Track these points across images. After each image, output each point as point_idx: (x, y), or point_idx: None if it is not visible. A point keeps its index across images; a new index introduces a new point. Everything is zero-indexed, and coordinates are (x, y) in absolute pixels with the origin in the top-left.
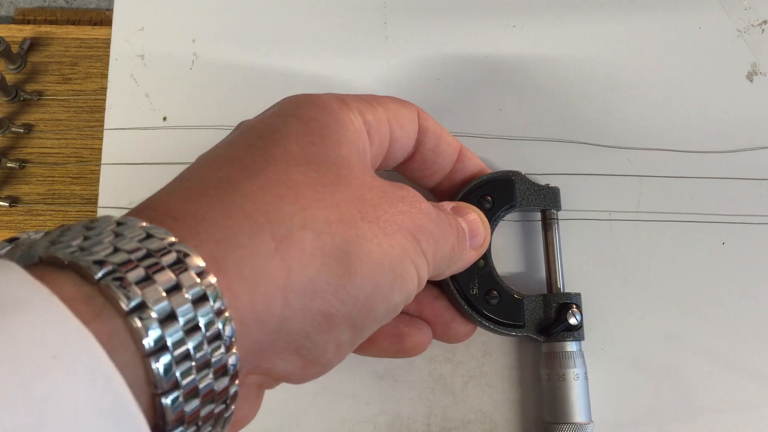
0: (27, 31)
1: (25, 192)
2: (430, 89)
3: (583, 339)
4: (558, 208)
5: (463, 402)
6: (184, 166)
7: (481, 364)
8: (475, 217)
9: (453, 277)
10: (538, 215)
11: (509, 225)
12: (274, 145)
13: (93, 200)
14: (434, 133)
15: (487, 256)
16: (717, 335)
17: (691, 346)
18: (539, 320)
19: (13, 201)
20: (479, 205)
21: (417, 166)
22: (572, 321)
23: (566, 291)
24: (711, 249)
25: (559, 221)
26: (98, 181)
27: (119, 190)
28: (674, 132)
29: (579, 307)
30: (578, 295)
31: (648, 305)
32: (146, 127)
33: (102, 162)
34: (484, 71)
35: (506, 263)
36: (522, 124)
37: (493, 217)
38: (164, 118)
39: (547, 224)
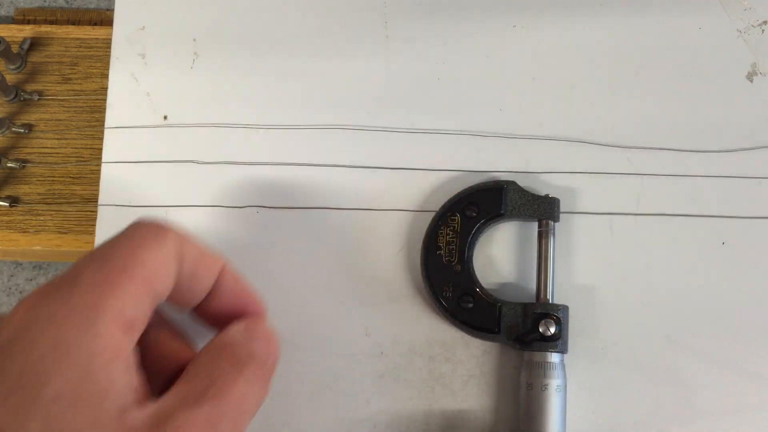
0: (27, 31)
1: (25, 192)
2: (430, 89)
3: (566, 352)
4: (555, 219)
5: (463, 401)
6: (185, 165)
7: (481, 363)
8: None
9: (427, 279)
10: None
11: (508, 233)
12: None
13: (93, 200)
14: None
15: (466, 261)
16: (717, 336)
17: (692, 347)
18: (516, 328)
19: (13, 201)
20: (462, 214)
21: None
22: (547, 332)
23: (555, 302)
24: (711, 248)
25: (556, 232)
26: (98, 181)
27: (119, 188)
28: (674, 132)
29: (559, 319)
30: (564, 307)
31: (648, 305)
32: (147, 125)
33: (102, 161)
34: (484, 71)
35: (503, 270)
36: (522, 124)
37: (475, 227)
38: (165, 117)
39: (541, 234)
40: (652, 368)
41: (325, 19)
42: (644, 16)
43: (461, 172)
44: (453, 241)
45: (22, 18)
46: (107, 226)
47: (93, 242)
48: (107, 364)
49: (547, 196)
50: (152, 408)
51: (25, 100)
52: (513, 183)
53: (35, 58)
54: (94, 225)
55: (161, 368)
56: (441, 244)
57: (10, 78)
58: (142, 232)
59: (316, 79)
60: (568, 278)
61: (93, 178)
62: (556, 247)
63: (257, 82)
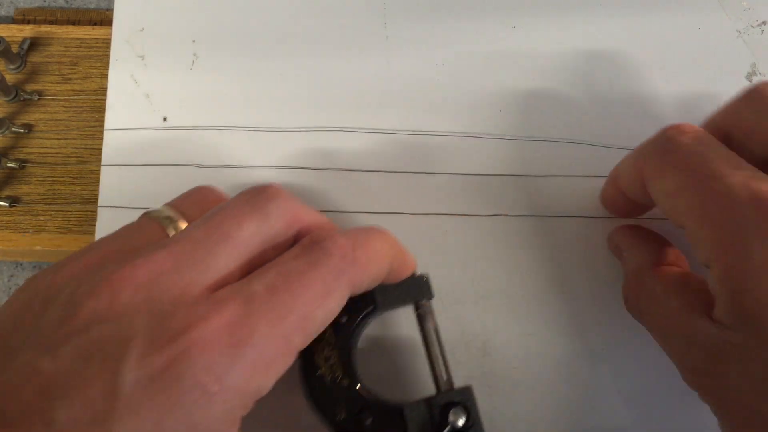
0: (27, 31)
1: (25, 192)
2: (430, 89)
3: None
4: (430, 296)
5: None
6: (184, 168)
7: (481, 364)
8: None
9: (314, 406)
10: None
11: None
12: None
13: (93, 200)
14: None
15: (351, 372)
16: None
17: None
18: (426, 429)
19: (13, 201)
20: (333, 324)
21: None
22: (458, 423)
23: (457, 385)
24: None
25: (434, 311)
26: (98, 181)
27: (119, 190)
28: None
29: (467, 405)
30: (467, 389)
31: None
32: (146, 127)
33: (102, 163)
34: (483, 72)
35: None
36: (521, 125)
37: (351, 332)
38: (164, 119)
39: (421, 317)
40: (652, 368)
41: (325, 20)
42: (644, 16)
43: (461, 174)
44: (331, 356)
45: (22, 18)
46: (107, 227)
47: None
48: None
49: (414, 275)
50: None
51: (25, 100)
52: None
53: (35, 58)
54: (94, 225)
55: None
56: (319, 363)
57: (10, 78)
58: (329, 276)
59: (315, 80)
60: (565, 278)
61: (93, 178)
62: (439, 325)
63: (257, 83)
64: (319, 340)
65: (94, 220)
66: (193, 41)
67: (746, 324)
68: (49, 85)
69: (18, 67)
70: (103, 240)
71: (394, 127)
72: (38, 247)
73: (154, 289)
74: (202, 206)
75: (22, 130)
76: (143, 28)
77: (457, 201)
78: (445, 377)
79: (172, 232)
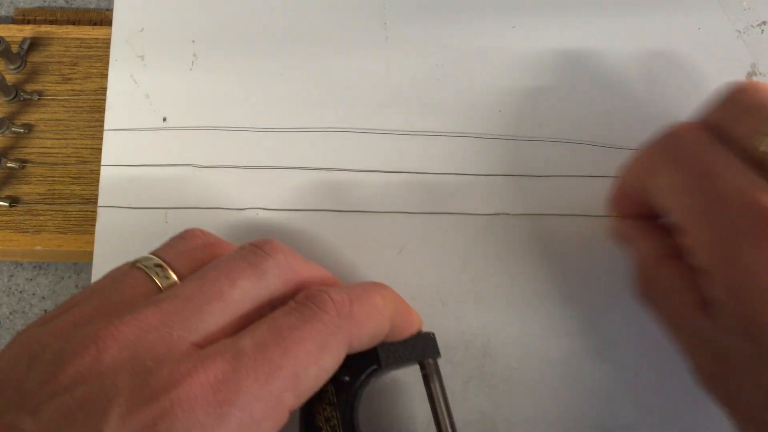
0: (27, 31)
1: (25, 192)
2: (430, 90)
3: None
4: (436, 355)
5: (463, 402)
6: (184, 168)
7: (481, 364)
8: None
9: None
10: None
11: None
12: None
13: (93, 200)
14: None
15: (353, 430)
16: None
17: None
18: None
19: (13, 201)
20: (335, 381)
21: None
22: None
23: None
24: None
25: (440, 370)
26: (98, 181)
27: (119, 191)
28: None
29: None
30: None
31: None
32: (146, 128)
33: (102, 164)
34: (483, 72)
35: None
36: (521, 125)
37: (354, 391)
38: (164, 119)
39: (427, 377)
40: (654, 367)
41: (325, 21)
42: (643, 16)
43: (461, 176)
44: (333, 416)
45: (22, 18)
46: (107, 227)
47: (93, 242)
48: None
49: (419, 333)
50: None
51: (25, 100)
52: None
53: (35, 58)
54: (94, 225)
55: None
56: (320, 424)
57: (10, 78)
58: (324, 332)
59: (315, 80)
60: (572, 281)
61: (93, 178)
62: (445, 384)
63: (257, 83)
64: (319, 400)
65: (94, 220)
66: (193, 41)
67: (747, 333)
68: (49, 85)
69: (18, 67)
70: (92, 289)
71: (394, 128)
72: (38, 247)
73: (139, 347)
74: (192, 256)
75: (22, 130)
76: (143, 29)
77: (457, 201)
78: None
79: (161, 282)
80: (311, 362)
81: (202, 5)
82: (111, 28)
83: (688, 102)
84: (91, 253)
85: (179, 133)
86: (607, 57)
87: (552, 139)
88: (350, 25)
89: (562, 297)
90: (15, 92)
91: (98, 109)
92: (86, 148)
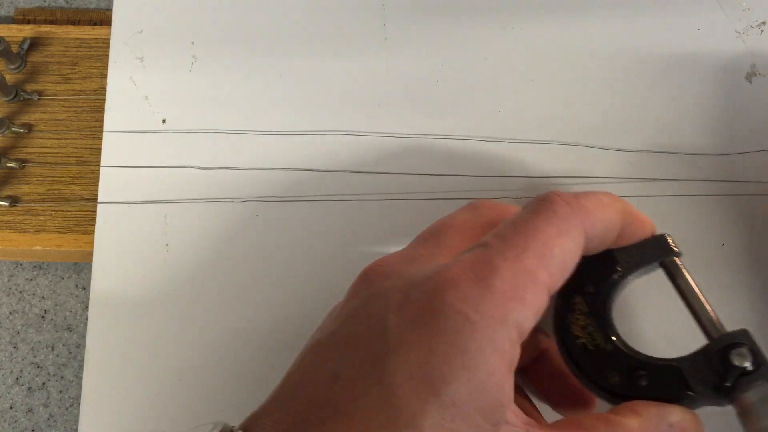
0: (27, 31)
1: (25, 192)
2: (429, 91)
3: None
4: (676, 254)
5: None
6: (183, 170)
7: None
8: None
9: (584, 377)
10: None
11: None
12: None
13: (93, 200)
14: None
15: (612, 334)
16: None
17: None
18: (710, 381)
19: (13, 201)
20: (582, 293)
21: None
22: (745, 365)
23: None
24: (711, 250)
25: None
26: (98, 181)
27: (119, 191)
28: (674, 134)
29: (750, 345)
30: (743, 331)
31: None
32: (145, 130)
33: (101, 165)
34: (483, 73)
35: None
36: (521, 126)
37: (605, 298)
38: (163, 121)
39: (672, 275)
40: None
41: (324, 22)
42: (643, 17)
43: (461, 176)
44: (589, 324)
45: (22, 18)
46: (107, 228)
47: (93, 242)
48: (502, 381)
49: (653, 236)
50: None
51: (25, 100)
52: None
53: (35, 58)
54: (94, 225)
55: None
56: (577, 333)
57: (10, 78)
58: (558, 220)
59: (315, 82)
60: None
61: (93, 178)
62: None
63: (256, 85)
64: (572, 311)
65: (94, 220)
66: (192, 43)
67: None
68: (49, 85)
69: (18, 67)
70: None
71: (393, 130)
72: (38, 247)
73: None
74: None
75: (22, 130)
76: (142, 30)
77: (457, 202)
78: (715, 323)
79: None
80: (554, 244)
81: (201, 7)
82: (111, 29)
83: (689, 102)
84: (91, 253)
85: (179, 135)
86: (607, 58)
87: (551, 141)
88: (349, 26)
89: None
90: (15, 92)
91: (98, 109)
92: (86, 148)
